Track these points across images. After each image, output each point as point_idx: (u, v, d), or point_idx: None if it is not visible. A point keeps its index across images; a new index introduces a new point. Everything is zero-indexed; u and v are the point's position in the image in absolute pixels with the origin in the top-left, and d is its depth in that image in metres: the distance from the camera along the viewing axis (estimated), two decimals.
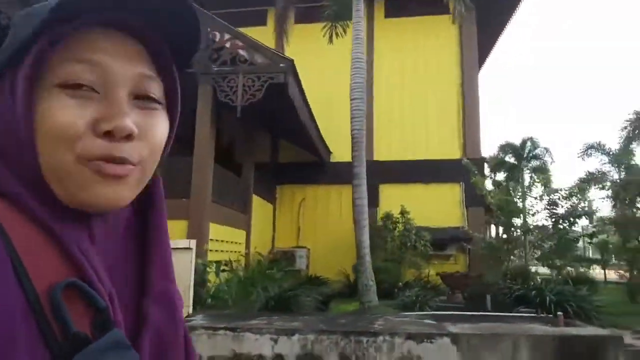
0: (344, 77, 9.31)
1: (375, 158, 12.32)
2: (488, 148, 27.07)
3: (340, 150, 11.88)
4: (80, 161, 0.43)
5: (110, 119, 0.44)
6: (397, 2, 13.12)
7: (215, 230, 7.23)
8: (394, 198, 11.87)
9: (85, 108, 0.44)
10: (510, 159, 10.74)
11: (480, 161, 11.86)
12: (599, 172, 11.47)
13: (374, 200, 11.68)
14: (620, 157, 11.25)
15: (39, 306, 0.38)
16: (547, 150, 10.67)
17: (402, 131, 12.72)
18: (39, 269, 0.40)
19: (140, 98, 0.47)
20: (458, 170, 11.41)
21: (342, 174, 10.88)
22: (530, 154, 10.75)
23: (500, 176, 10.93)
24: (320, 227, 12.11)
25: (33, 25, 0.43)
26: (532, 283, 6.99)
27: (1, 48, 0.46)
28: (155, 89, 0.49)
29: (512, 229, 8.72)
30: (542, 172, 9.76)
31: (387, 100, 12.87)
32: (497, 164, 11.35)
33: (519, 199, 8.76)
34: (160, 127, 0.49)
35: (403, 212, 10.68)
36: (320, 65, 12.38)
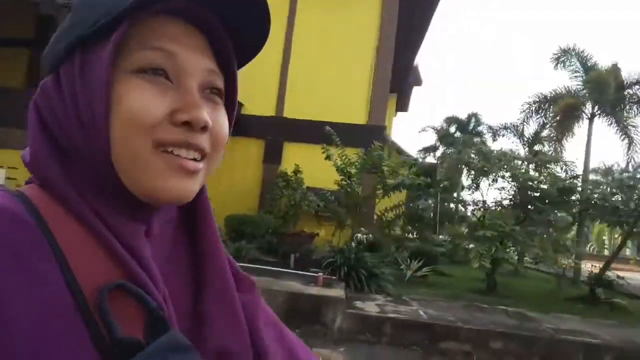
0: None
1: (285, 115, 12.48)
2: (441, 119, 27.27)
3: (252, 104, 12.00)
4: (157, 148, 0.42)
5: (188, 109, 0.43)
6: None
7: None
8: (297, 157, 12.16)
9: (163, 96, 0.43)
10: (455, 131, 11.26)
11: (382, 128, 12.14)
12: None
13: (277, 157, 12.00)
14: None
15: (87, 309, 0.37)
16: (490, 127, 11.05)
17: (315, 91, 12.81)
18: (86, 269, 0.39)
19: (207, 91, 0.47)
20: (362, 136, 11.71)
21: (252, 128, 11.08)
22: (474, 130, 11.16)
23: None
24: (225, 180, 12.34)
25: (112, 10, 0.41)
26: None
27: (65, 28, 0.45)
28: (220, 84, 0.49)
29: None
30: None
31: (304, 58, 12.88)
32: (444, 136, 11.77)
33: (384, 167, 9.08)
34: (225, 122, 0.49)
35: (296, 172, 11.01)
36: None
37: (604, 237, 39.69)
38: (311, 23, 12.84)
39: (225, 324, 0.48)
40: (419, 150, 22.45)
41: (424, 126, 19.15)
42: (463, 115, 21.93)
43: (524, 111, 12.99)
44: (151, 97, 0.42)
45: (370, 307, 5.33)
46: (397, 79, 21.58)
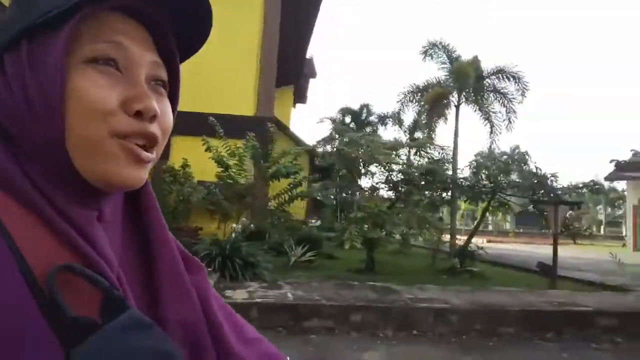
0: None
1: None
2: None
3: None
4: (112, 136, 0.43)
5: (139, 99, 0.45)
6: None
7: None
8: (186, 151, 11.78)
9: (115, 85, 0.44)
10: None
11: (269, 119, 12.15)
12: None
13: (164, 152, 11.42)
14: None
15: (41, 293, 0.38)
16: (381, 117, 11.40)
17: (201, 84, 12.47)
18: (37, 255, 0.39)
19: (152, 83, 0.49)
20: (250, 127, 11.63)
21: None
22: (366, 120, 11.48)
23: None
24: None
25: (63, 3, 0.43)
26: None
27: (8, 19, 0.46)
28: (164, 76, 0.50)
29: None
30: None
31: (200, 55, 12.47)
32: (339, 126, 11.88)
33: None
34: (169, 112, 0.50)
35: (184, 166, 10.68)
36: None
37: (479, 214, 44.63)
38: None
39: (179, 300, 0.50)
40: (318, 141, 22.96)
41: (321, 117, 19.73)
42: (356, 106, 22.94)
43: (399, 101, 13.91)
44: (105, 86, 0.44)
45: (240, 294, 5.38)
46: (291, 71, 21.80)
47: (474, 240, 9.57)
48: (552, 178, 8.37)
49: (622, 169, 20.04)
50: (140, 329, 0.40)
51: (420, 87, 13.80)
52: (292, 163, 8.46)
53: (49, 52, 0.43)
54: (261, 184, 9.02)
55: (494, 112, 13.44)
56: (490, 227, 42.39)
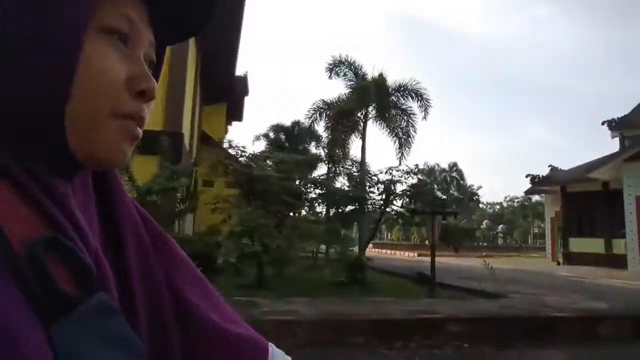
0: None
1: None
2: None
3: None
4: (112, 115, 0.42)
5: (144, 79, 0.43)
6: None
7: None
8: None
9: (123, 61, 0.42)
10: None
11: (178, 135, 11.97)
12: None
13: None
14: None
15: (18, 265, 0.35)
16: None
17: None
18: (13, 225, 0.37)
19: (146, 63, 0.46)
20: (158, 143, 11.36)
21: None
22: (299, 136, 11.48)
23: None
24: None
25: None
26: None
27: None
28: (154, 58, 0.49)
29: None
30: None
31: None
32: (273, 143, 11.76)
33: None
34: None
35: None
36: None
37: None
38: None
39: (144, 280, 0.48)
40: (247, 156, 22.96)
41: (257, 134, 19.84)
42: (288, 122, 23.10)
43: (309, 117, 14.12)
44: (116, 61, 0.42)
45: None
46: (221, 88, 21.60)
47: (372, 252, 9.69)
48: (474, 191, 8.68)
49: (538, 184, 21.11)
50: (108, 314, 0.39)
51: (329, 103, 14.07)
52: (169, 179, 8.28)
53: (75, 7, 0.39)
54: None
55: (401, 128, 13.85)
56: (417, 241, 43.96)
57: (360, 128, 13.34)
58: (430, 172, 49.80)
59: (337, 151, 13.71)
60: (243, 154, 9.14)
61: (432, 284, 7.79)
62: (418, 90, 13.80)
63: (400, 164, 14.53)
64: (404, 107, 13.39)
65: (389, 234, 63.51)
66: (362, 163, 12.79)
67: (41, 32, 0.38)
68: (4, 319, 0.32)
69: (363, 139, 13.09)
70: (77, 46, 0.39)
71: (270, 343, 0.56)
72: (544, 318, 6.10)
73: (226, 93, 22.75)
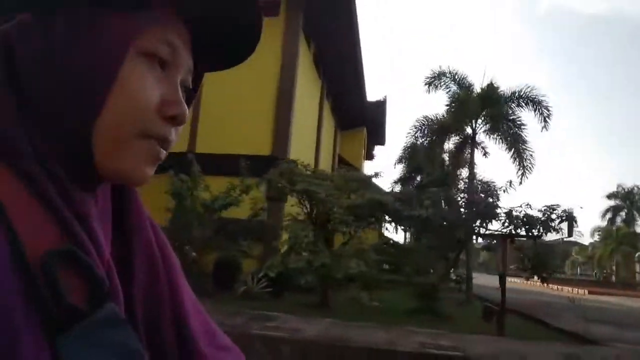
0: None
1: (197, 150, 13.21)
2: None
3: None
4: (140, 135, 0.42)
5: (176, 105, 0.44)
6: None
7: None
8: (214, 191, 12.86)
9: (158, 85, 0.43)
10: None
11: (277, 159, 12.52)
12: None
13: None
14: None
15: (30, 273, 0.35)
16: None
17: (224, 125, 13.54)
18: (30, 233, 0.37)
19: (182, 89, 0.46)
20: (267, 166, 12.36)
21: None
22: None
23: None
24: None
25: None
26: None
27: None
28: (190, 83, 0.48)
29: None
30: None
31: (212, 94, 13.70)
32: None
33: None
34: None
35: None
36: None
37: None
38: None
39: (149, 296, 0.49)
40: (393, 182, 22.88)
41: (398, 157, 19.76)
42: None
43: (413, 134, 13.38)
44: (152, 85, 0.42)
45: None
46: (355, 114, 22.17)
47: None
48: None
49: None
50: (115, 325, 0.40)
51: (432, 119, 13.18)
52: (234, 196, 8.85)
53: (117, 30, 0.40)
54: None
55: (523, 142, 12.11)
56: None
57: (467, 144, 12.16)
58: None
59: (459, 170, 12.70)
60: (307, 171, 9.25)
61: (499, 321, 6.65)
62: (535, 97, 12.08)
63: (521, 182, 12.82)
64: (517, 118, 11.76)
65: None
66: (470, 183, 11.64)
67: (84, 51, 0.39)
68: (8, 328, 0.32)
69: (471, 154, 11.92)
70: (114, 67, 0.39)
71: None
72: None
73: (361, 118, 23.27)
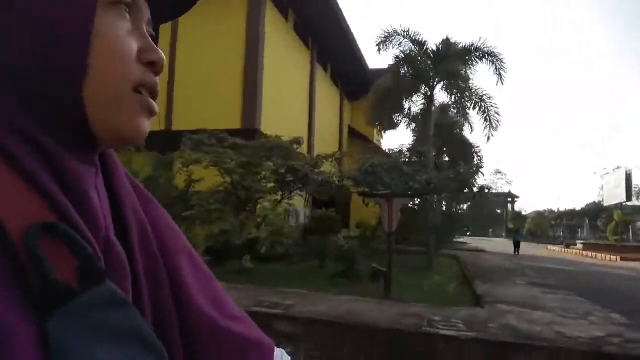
0: None
1: (174, 128, 13.69)
2: None
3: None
4: (133, 89, 0.41)
5: (153, 50, 0.43)
6: None
7: None
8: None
9: (132, 33, 0.42)
10: None
11: (258, 133, 12.73)
12: None
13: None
14: None
15: (14, 252, 0.33)
16: None
17: (198, 101, 13.90)
18: (12, 210, 0.34)
19: None
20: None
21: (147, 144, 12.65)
22: None
23: None
24: None
25: None
26: None
27: None
28: (153, 35, 0.47)
29: None
30: None
31: (185, 72, 14.04)
32: None
33: None
34: None
35: None
36: None
37: None
38: (191, 42, 14.05)
39: (149, 273, 0.46)
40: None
41: None
42: None
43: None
44: (126, 33, 0.41)
45: None
46: (362, 82, 21.78)
47: None
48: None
49: None
50: (114, 305, 0.36)
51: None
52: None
53: None
54: None
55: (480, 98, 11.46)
56: None
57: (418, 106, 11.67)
58: None
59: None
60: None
61: (386, 283, 6.55)
62: (491, 51, 11.29)
63: (488, 139, 12.17)
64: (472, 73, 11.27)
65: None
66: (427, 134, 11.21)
67: (54, 9, 0.37)
68: None
69: (427, 113, 11.41)
70: (89, 20, 0.38)
71: (279, 348, 0.54)
72: None
73: (367, 87, 22.71)
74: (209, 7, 13.78)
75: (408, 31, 11.76)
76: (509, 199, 64.83)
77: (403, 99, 12.37)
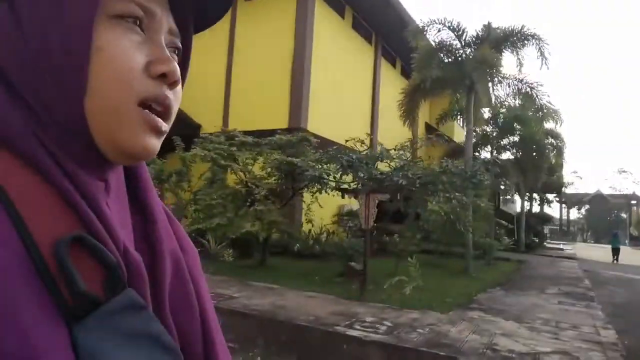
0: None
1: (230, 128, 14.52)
2: None
3: (208, 123, 14.33)
4: (136, 104, 0.40)
5: (164, 61, 0.42)
6: None
7: None
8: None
9: (140, 46, 0.41)
10: None
11: (303, 131, 13.03)
12: None
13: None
14: None
15: (44, 265, 0.34)
16: None
17: (250, 103, 14.59)
18: (41, 224, 0.36)
19: (170, 49, 0.45)
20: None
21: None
22: None
23: None
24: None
25: None
26: None
27: None
28: (179, 45, 0.47)
29: None
30: None
31: (242, 76, 14.84)
32: None
33: None
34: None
35: None
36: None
37: None
38: (245, 44, 14.74)
39: (177, 301, 0.46)
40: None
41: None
42: None
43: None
44: (132, 46, 0.40)
45: None
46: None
47: None
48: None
49: None
50: (134, 310, 0.38)
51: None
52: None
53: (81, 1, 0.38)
54: None
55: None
56: None
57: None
58: None
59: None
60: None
61: (362, 282, 6.39)
62: (533, 33, 10.07)
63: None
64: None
65: None
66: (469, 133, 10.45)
67: (51, 28, 0.38)
68: (20, 320, 0.31)
69: (467, 105, 10.55)
70: (86, 36, 0.38)
71: None
72: None
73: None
74: (261, 11, 14.44)
75: (444, 19, 11.06)
76: (633, 202, 56.59)
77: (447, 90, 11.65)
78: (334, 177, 8.05)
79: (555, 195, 35.43)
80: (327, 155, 8.07)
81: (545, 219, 31.12)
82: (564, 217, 57.88)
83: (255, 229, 7.79)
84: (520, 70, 11.06)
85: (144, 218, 0.47)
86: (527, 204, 27.38)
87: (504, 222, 17.17)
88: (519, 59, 10.77)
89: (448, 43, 11.30)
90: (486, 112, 14.80)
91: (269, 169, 8.85)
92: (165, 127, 0.43)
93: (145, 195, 0.48)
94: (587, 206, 57.63)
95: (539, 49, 10.52)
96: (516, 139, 18.64)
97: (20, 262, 0.33)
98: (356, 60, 17.20)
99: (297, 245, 10.10)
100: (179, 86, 0.44)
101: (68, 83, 0.38)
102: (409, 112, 12.34)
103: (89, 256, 0.37)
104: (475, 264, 11.14)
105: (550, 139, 19.36)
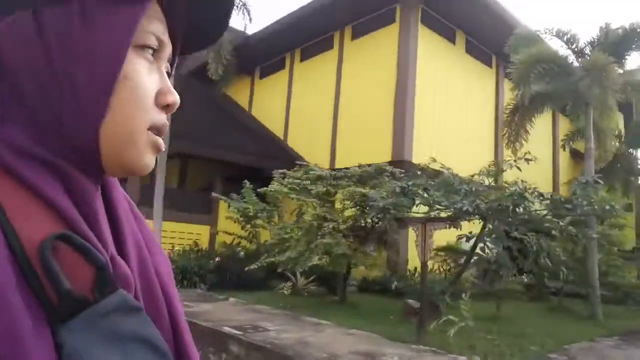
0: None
1: (337, 166, 14.60)
2: None
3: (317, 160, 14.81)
4: (148, 129, 0.43)
5: (170, 92, 0.44)
6: (358, 25, 15.15)
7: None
8: None
9: (151, 75, 0.43)
10: None
11: (406, 164, 12.60)
12: None
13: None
14: None
15: (29, 265, 0.35)
16: None
17: (355, 138, 14.61)
18: (28, 225, 0.36)
19: None
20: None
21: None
22: None
23: None
24: None
25: None
26: None
27: None
28: (170, 69, 0.48)
29: None
30: None
31: (347, 112, 15.05)
32: None
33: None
34: None
35: None
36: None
37: None
38: (352, 80, 14.94)
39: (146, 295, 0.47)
40: None
41: None
42: None
43: None
44: (150, 76, 0.42)
45: None
46: None
47: None
48: None
49: None
50: (128, 312, 0.38)
51: None
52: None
53: (120, 24, 0.39)
54: None
55: None
56: None
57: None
58: None
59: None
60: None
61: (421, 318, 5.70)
62: None
63: None
64: None
65: None
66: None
67: (79, 53, 0.38)
68: (6, 319, 0.31)
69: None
70: (117, 66, 0.39)
71: None
72: None
73: None
74: (366, 47, 14.59)
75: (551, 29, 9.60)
76: None
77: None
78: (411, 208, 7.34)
79: None
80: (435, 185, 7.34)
81: None
82: None
83: (322, 262, 7.54)
84: None
85: (112, 219, 0.47)
86: None
87: None
88: None
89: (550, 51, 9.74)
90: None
91: (346, 202, 8.59)
92: (163, 145, 0.46)
93: (110, 197, 0.49)
94: None
95: None
96: None
97: (5, 263, 0.34)
98: (473, 85, 16.08)
99: (395, 282, 9.54)
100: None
101: (89, 109, 0.39)
102: (516, 135, 10.81)
103: (78, 257, 0.37)
104: (614, 309, 9.36)
105: None
